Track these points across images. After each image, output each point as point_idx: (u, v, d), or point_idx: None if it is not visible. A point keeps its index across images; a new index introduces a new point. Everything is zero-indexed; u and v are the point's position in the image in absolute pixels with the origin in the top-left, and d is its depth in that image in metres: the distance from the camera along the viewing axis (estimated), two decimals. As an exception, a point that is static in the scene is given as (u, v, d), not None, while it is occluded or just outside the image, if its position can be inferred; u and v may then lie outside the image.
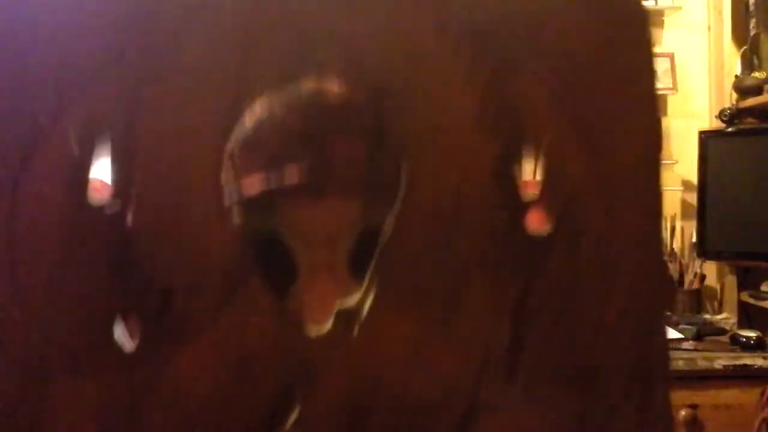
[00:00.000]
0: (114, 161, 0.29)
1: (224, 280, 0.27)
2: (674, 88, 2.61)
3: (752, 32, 2.48)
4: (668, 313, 2.40)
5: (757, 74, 2.40)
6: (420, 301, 0.27)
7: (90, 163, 0.29)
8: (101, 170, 0.31)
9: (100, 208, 0.29)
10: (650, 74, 0.29)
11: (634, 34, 0.27)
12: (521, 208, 0.26)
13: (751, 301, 2.39)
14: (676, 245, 2.56)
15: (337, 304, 0.34)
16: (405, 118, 0.26)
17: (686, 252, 2.55)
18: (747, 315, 2.43)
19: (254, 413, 0.29)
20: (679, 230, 2.58)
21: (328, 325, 0.31)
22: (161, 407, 0.29)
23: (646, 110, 0.28)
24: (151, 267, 0.27)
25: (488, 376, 0.29)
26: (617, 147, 0.27)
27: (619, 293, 0.29)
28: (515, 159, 0.25)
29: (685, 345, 2.12)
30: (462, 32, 0.25)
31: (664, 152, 2.62)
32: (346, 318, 0.29)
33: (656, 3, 2.62)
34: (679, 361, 2.02)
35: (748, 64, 2.46)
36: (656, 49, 2.67)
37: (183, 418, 0.30)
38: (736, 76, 2.47)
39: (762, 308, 2.33)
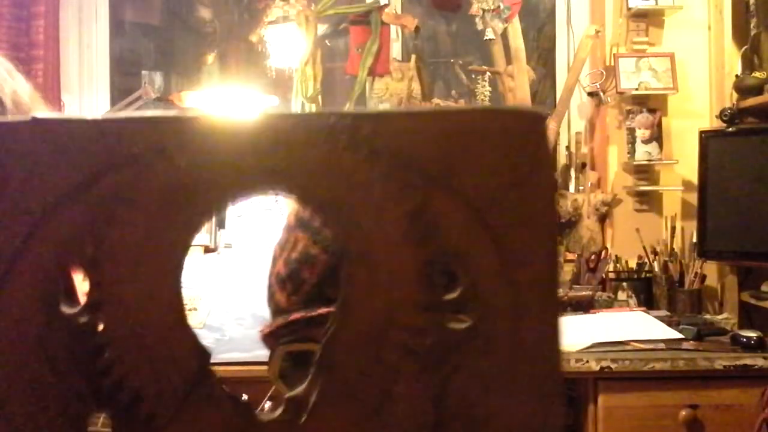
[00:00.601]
0: (86, 276, 0.33)
1: (185, 379, 0.32)
2: (674, 88, 2.61)
3: (753, 32, 2.48)
4: (669, 314, 2.40)
5: (757, 74, 2.40)
6: (358, 393, 0.33)
7: (62, 278, 0.33)
8: (74, 284, 0.34)
9: (73, 319, 0.32)
10: (553, 189, 0.34)
11: (539, 156, 0.32)
12: (445, 309, 0.31)
13: (752, 301, 2.39)
14: (676, 245, 2.56)
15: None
16: (347, 238, 0.31)
17: (686, 252, 2.55)
18: (747, 315, 2.43)
19: None
20: (679, 230, 2.58)
21: (279, 411, 0.35)
22: None
23: (550, 223, 0.33)
24: (121, 370, 0.32)
25: None
26: (525, 259, 0.32)
27: (522, 392, 0.33)
28: (439, 267, 0.31)
29: (686, 345, 2.11)
30: (391, 161, 0.31)
31: (665, 152, 2.62)
32: (295, 406, 0.34)
33: (656, 3, 2.62)
34: (679, 361, 2.01)
35: (748, 64, 2.46)
36: (656, 49, 2.68)
37: None
38: (737, 75, 2.47)
39: (762, 308, 2.33)
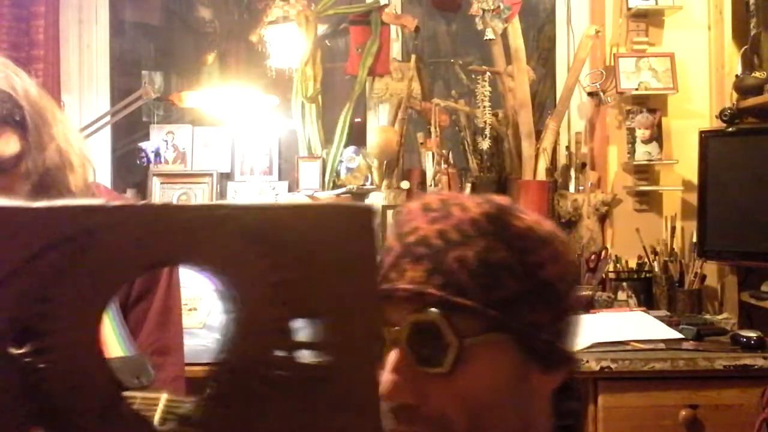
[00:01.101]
0: (29, 329, 0.42)
1: (102, 403, 0.43)
2: (674, 88, 2.61)
3: (753, 32, 2.48)
4: (669, 314, 2.40)
5: (757, 74, 2.40)
6: (236, 413, 0.45)
7: (10, 331, 0.42)
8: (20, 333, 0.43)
9: (18, 358, 0.42)
10: (373, 277, 0.47)
11: (363, 247, 0.44)
12: (294, 349, 0.43)
13: (752, 301, 2.39)
14: (676, 245, 2.57)
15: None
16: (230, 300, 0.44)
17: (686, 252, 2.55)
18: (747, 315, 2.43)
19: None
20: (679, 230, 2.58)
21: (172, 424, 0.45)
22: None
23: (370, 302, 0.45)
24: (56, 397, 0.42)
25: None
26: (347, 330, 0.44)
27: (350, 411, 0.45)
28: (292, 320, 0.43)
29: (686, 345, 2.11)
30: (265, 244, 0.42)
31: (665, 152, 2.62)
32: (185, 418, 0.44)
33: (656, 3, 2.62)
34: (679, 361, 2.01)
35: (748, 64, 2.46)
36: (656, 49, 2.68)
37: None
38: (737, 75, 2.47)
39: (762, 308, 2.33)
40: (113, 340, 1.12)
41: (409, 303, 0.68)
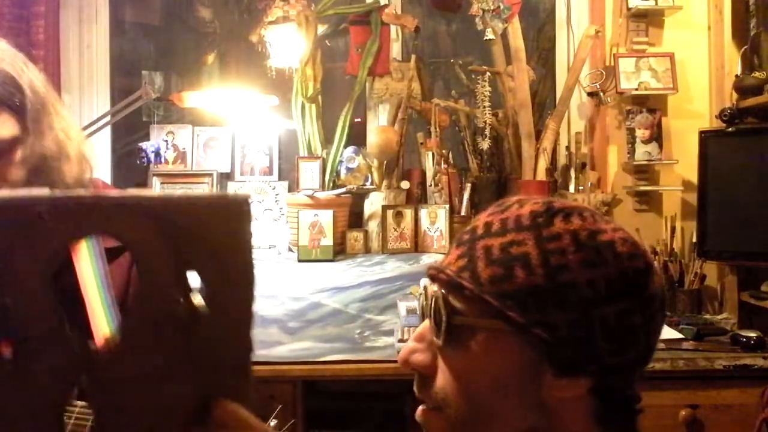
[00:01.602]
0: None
1: (49, 327, 0.60)
2: (674, 88, 2.62)
3: (753, 32, 2.48)
4: (669, 314, 2.40)
5: (757, 74, 2.40)
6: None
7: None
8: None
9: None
10: (248, 255, 0.62)
11: (242, 231, 0.61)
12: (187, 296, 0.60)
13: (752, 301, 2.39)
14: (676, 245, 2.57)
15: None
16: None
17: (686, 252, 2.55)
18: (747, 315, 2.43)
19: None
20: (679, 230, 2.59)
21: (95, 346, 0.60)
22: (26, 393, 0.60)
23: (247, 265, 0.62)
24: (12, 321, 0.59)
25: None
26: (226, 283, 0.61)
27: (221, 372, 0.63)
28: (185, 276, 0.60)
29: (686, 345, 2.12)
30: (165, 224, 0.59)
31: (665, 152, 2.62)
32: (111, 339, 0.60)
33: (656, 3, 2.62)
34: (679, 361, 2.02)
35: (748, 64, 2.46)
36: (656, 49, 2.68)
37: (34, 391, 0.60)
38: (737, 75, 2.47)
39: (762, 308, 2.33)
40: (104, 324, 1.12)
41: (438, 281, 0.76)
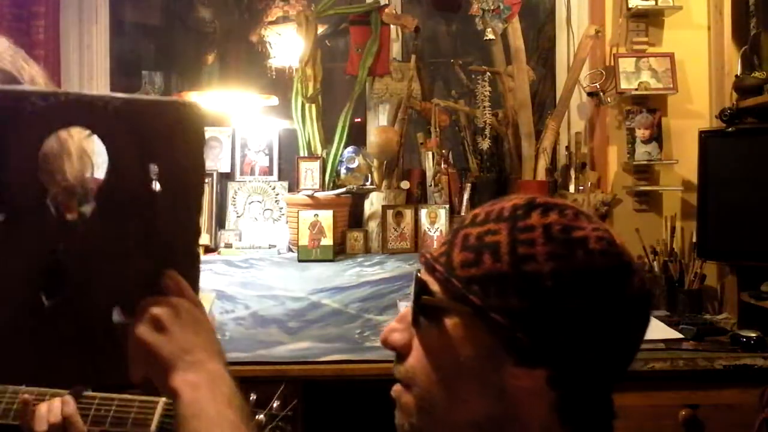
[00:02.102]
0: None
1: (35, 199, 0.72)
2: (674, 88, 2.62)
3: (753, 32, 2.48)
4: (669, 314, 2.40)
5: (757, 74, 2.40)
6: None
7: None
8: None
9: None
10: (199, 156, 0.77)
11: (194, 128, 0.76)
12: (149, 181, 0.73)
13: (752, 301, 2.39)
14: (676, 245, 2.57)
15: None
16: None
17: (686, 252, 2.55)
18: (747, 315, 2.43)
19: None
20: (679, 230, 2.58)
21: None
22: (30, 242, 0.73)
23: (198, 158, 0.76)
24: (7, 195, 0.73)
25: None
26: (180, 178, 0.75)
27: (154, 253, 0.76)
28: (147, 164, 0.73)
29: (686, 345, 2.12)
30: (130, 122, 0.72)
31: (665, 152, 2.63)
32: (74, 224, 0.73)
33: (656, 3, 2.62)
34: (679, 361, 2.02)
35: (748, 64, 2.46)
36: (656, 49, 2.68)
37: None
38: (736, 76, 2.47)
39: (762, 308, 2.33)
40: None
41: (421, 264, 0.80)
